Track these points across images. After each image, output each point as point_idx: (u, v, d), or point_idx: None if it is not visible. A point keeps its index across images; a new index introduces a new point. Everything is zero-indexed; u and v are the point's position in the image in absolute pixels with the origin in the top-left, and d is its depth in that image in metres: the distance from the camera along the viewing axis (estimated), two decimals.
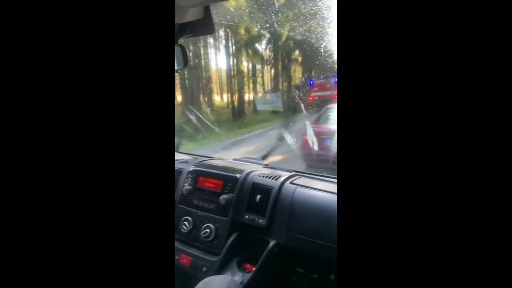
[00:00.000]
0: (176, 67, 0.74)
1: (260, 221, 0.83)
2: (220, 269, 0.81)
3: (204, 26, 0.70)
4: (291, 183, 0.88)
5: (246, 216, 0.85)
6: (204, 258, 0.84)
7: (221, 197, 0.87)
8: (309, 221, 0.77)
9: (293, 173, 0.99)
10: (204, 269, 0.82)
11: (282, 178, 0.89)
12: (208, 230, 0.85)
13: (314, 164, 2.64)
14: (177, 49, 0.72)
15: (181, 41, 0.73)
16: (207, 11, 0.68)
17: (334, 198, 0.78)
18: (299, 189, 0.84)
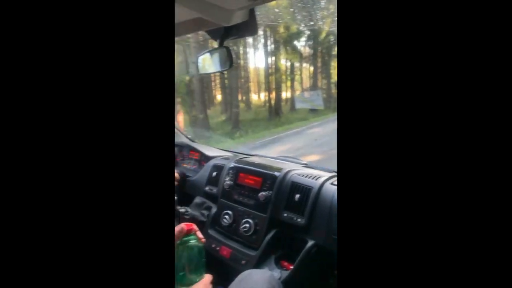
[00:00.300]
0: (221, 69, 0.78)
1: (299, 220, 0.83)
2: (258, 264, 0.83)
3: (248, 27, 0.72)
4: (331, 184, 0.86)
5: (285, 214, 0.86)
6: (243, 252, 0.87)
7: (260, 193, 0.89)
8: None
9: (334, 173, 0.97)
10: (243, 262, 0.85)
11: (322, 179, 0.87)
12: (247, 225, 0.88)
13: None
14: (222, 51, 0.76)
15: (225, 43, 0.77)
16: (251, 13, 0.70)
17: None
18: None
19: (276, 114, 7.26)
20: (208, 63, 0.82)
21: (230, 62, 0.75)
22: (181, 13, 0.66)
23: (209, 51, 0.81)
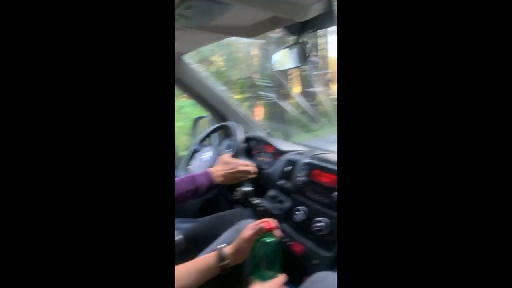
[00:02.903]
0: (295, 65, 0.77)
1: None
2: (332, 266, 0.80)
3: (326, 19, 0.68)
4: None
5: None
6: (316, 251, 0.85)
7: (335, 193, 0.85)
8: None
9: None
10: (316, 261, 0.83)
11: None
12: (320, 224, 0.86)
13: None
14: (297, 47, 0.74)
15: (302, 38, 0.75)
16: (329, 3, 0.66)
17: None
18: None
19: None
20: (283, 59, 0.82)
21: (305, 58, 0.73)
22: (255, 14, 0.68)
23: (285, 48, 0.81)
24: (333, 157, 1.03)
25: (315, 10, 0.65)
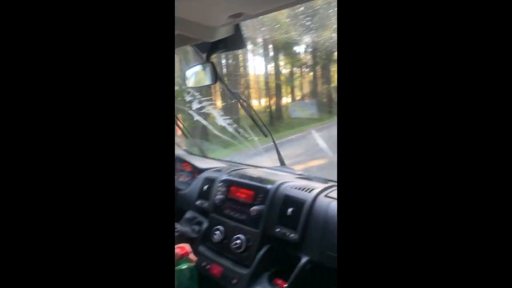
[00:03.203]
0: (206, 83, 0.77)
1: (292, 235, 0.80)
2: (250, 283, 0.80)
3: (235, 42, 0.71)
4: (325, 196, 0.83)
5: (278, 229, 0.83)
6: (234, 270, 0.84)
7: (252, 208, 0.86)
8: None
9: (330, 184, 0.94)
10: (234, 281, 0.82)
11: (316, 191, 0.85)
12: (239, 241, 0.86)
13: None
14: (208, 66, 0.75)
15: (213, 57, 0.76)
16: (237, 27, 0.69)
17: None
18: (334, 203, 0.79)
19: (278, 120, 7.25)
20: (195, 76, 0.81)
21: (215, 77, 0.74)
22: None
23: (196, 65, 0.80)
24: (251, 172, 1.06)
25: (222, 33, 0.67)
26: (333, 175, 1.04)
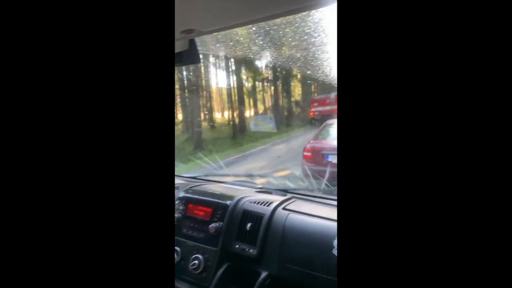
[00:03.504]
0: None
1: (251, 250, 0.79)
2: None
3: (189, 56, 0.71)
4: (283, 208, 0.85)
5: (237, 246, 0.82)
6: None
7: (210, 225, 0.84)
8: (303, 250, 0.74)
9: (289, 196, 0.96)
10: None
11: (275, 204, 0.86)
12: (196, 262, 0.82)
13: (316, 180, 2.60)
14: None
15: None
16: (192, 42, 0.69)
17: (328, 224, 0.75)
18: (292, 215, 0.81)
19: (241, 132, 7.29)
20: None
21: None
22: None
23: None
24: (209, 187, 1.04)
25: (177, 47, 0.67)
26: (297, 186, 1.07)
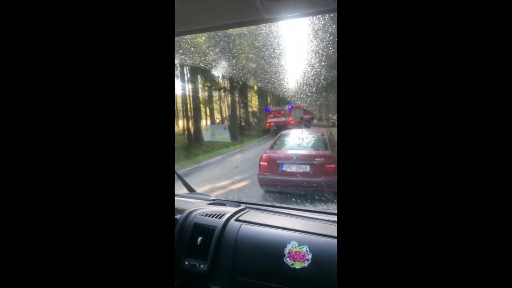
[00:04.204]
0: None
1: (202, 266, 0.75)
2: None
3: None
4: (236, 220, 0.83)
5: (186, 262, 0.77)
6: None
7: None
8: (255, 262, 0.72)
9: (243, 206, 0.95)
10: None
11: (227, 216, 0.84)
12: None
13: (272, 190, 2.64)
14: None
15: None
16: None
17: (281, 233, 0.75)
18: (245, 226, 0.80)
19: (197, 143, 7.10)
20: None
21: None
22: None
23: None
24: None
25: None
26: (254, 196, 1.06)
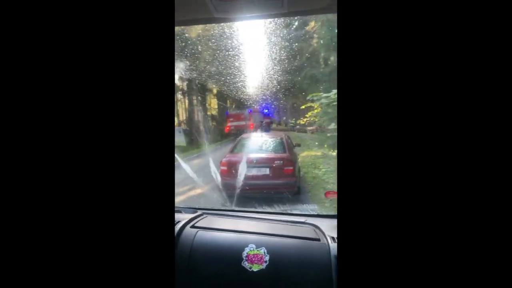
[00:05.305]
0: None
1: None
2: None
3: None
4: (192, 226, 0.80)
5: None
6: None
7: None
8: (213, 268, 0.71)
9: (199, 213, 0.92)
10: None
11: (182, 223, 0.80)
12: None
13: (232, 194, 2.63)
14: None
15: None
16: None
17: (239, 237, 0.74)
18: (201, 232, 0.77)
19: None
20: None
21: None
22: None
23: None
24: None
25: None
26: (213, 203, 1.03)
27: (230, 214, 0.94)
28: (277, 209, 1.21)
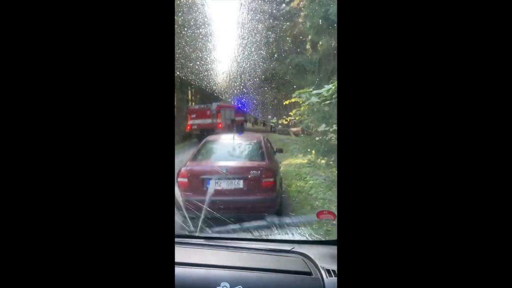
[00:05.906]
0: None
1: None
2: None
3: None
4: None
5: None
6: None
7: None
8: None
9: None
10: None
11: None
12: None
13: (196, 214, 2.52)
14: None
15: None
16: None
17: (210, 274, 0.71)
18: None
19: None
20: None
21: None
22: None
23: None
24: None
25: None
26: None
27: (194, 242, 0.89)
28: (255, 234, 1.16)
